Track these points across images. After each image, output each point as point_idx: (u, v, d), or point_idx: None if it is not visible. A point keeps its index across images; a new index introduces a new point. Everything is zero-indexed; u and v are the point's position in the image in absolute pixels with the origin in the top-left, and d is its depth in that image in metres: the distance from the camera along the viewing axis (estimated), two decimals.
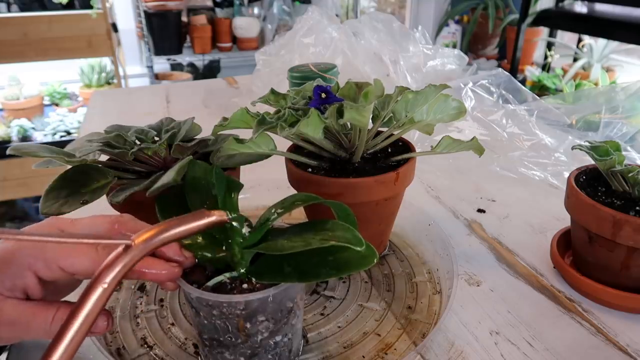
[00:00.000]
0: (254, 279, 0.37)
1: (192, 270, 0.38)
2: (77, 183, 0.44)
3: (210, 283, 0.36)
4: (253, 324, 0.36)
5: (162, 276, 0.35)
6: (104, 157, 0.49)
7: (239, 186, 0.41)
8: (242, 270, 0.37)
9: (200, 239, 0.38)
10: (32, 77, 2.66)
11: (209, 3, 3.06)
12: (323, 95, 0.45)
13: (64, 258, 0.33)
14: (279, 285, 0.35)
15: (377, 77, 0.46)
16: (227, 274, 0.37)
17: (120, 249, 0.31)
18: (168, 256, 0.36)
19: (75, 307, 0.30)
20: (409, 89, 0.46)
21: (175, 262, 0.36)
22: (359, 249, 0.33)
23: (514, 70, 2.36)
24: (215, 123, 0.46)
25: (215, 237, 0.38)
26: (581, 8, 2.29)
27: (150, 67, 2.87)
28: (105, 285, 0.30)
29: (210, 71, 3.22)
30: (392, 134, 0.50)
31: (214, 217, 0.34)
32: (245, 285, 0.36)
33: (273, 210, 0.39)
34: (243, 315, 0.35)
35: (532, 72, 2.62)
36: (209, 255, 0.37)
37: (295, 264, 0.35)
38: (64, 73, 2.78)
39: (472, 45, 3.24)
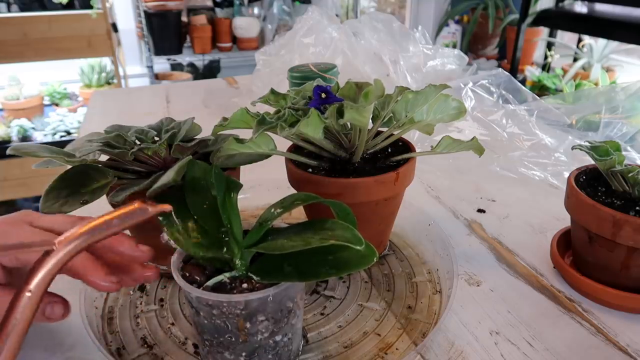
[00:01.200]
0: (253, 279, 0.37)
1: (192, 270, 0.38)
2: (77, 183, 0.44)
3: (210, 283, 0.36)
4: (253, 323, 0.36)
5: (100, 287, 0.36)
6: (104, 157, 0.49)
7: (239, 186, 0.41)
8: (242, 270, 0.37)
9: (199, 239, 0.38)
10: (32, 77, 2.66)
11: (209, 3, 3.06)
12: (323, 95, 0.45)
13: (20, 250, 0.34)
14: (279, 284, 0.35)
15: (377, 77, 0.46)
16: (227, 274, 0.37)
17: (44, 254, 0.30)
18: (121, 251, 0.37)
19: (3, 320, 0.28)
20: (409, 89, 0.46)
21: (131, 257, 0.37)
22: (358, 248, 0.33)
23: (514, 70, 2.36)
24: (215, 123, 0.46)
25: (214, 236, 0.38)
26: (581, 8, 2.29)
27: (150, 67, 2.87)
28: (29, 294, 0.29)
29: (210, 71, 3.22)
30: (392, 134, 0.50)
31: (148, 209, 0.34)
32: (245, 285, 0.36)
33: (273, 210, 0.39)
34: (243, 315, 0.35)
35: (532, 72, 2.62)
36: (209, 254, 0.37)
37: (295, 264, 0.35)
38: (64, 73, 2.78)
39: (472, 45, 3.24)
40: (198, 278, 0.38)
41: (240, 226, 0.39)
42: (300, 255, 0.35)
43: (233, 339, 0.37)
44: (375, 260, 0.34)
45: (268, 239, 0.38)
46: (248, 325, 0.36)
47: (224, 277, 0.37)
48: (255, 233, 0.38)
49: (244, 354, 0.37)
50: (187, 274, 0.38)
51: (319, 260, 0.35)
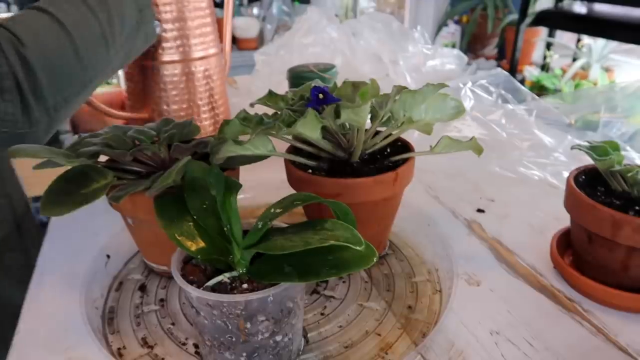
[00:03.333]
0: (253, 279, 0.37)
1: (192, 270, 0.38)
2: (77, 183, 0.44)
3: (210, 283, 0.36)
4: (253, 323, 0.36)
5: None
6: (103, 158, 0.49)
7: (238, 186, 0.41)
8: (242, 270, 0.37)
9: (199, 239, 0.38)
10: None
11: None
12: (320, 95, 0.45)
13: None
14: (279, 285, 0.35)
15: (376, 77, 0.46)
16: (227, 274, 0.37)
17: None
18: None
19: None
20: (407, 88, 0.46)
21: None
22: (358, 248, 0.33)
23: (513, 70, 2.36)
24: None
25: (214, 236, 0.38)
26: (580, 8, 2.29)
27: None
28: None
29: None
30: (390, 134, 0.50)
31: None
32: (245, 285, 0.36)
33: (272, 210, 0.39)
34: (243, 315, 0.35)
35: (531, 72, 2.62)
36: (209, 255, 0.37)
37: (295, 264, 0.35)
38: None
39: (471, 45, 3.25)
40: (198, 278, 0.38)
41: (240, 226, 0.39)
42: (300, 256, 0.35)
43: (233, 339, 0.37)
44: (375, 260, 0.35)
45: (268, 239, 0.38)
46: (248, 325, 0.36)
47: (224, 277, 0.37)
48: (255, 233, 0.38)
49: (244, 354, 0.37)
50: (187, 274, 0.38)
51: (319, 261, 0.35)
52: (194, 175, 0.42)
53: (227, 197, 0.40)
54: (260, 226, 0.38)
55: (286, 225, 0.41)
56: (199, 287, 0.36)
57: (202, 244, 0.38)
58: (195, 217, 0.39)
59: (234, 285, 0.37)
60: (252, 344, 0.37)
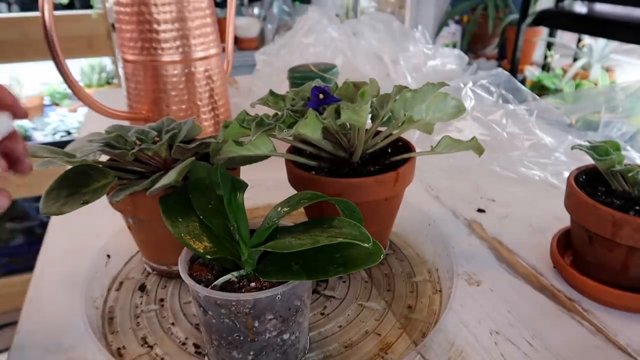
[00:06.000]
0: (261, 278, 0.37)
1: (199, 270, 0.38)
2: (78, 183, 0.44)
3: (218, 282, 0.37)
4: (261, 322, 0.36)
5: None
6: (104, 158, 0.49)
7: (244, 186, 0.41)
8: (249, 269, 0.37)
9: (206, 239, 0.38)
10: (33, 77, 2.65)
11: None
12: (321, 95, 0.45)
13: None
14: (287, 283, 0.35)
15: (377, 77, 0.46)
16: (235, 273, 0.37)
17: None
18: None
19: None
20: (408, 87, 0.46)
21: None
22: (366, 245, 0.34)
23: (513, 70, 2.35)
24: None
25: (221, 236, 0.38)
26: (581, 8, 2.29)
27: None
28: None
29: None
30: (391, 134, 0.50)
31: None
32: (253, 284, 0.37)
33: (279, 209, 0.39)
34: (251, 314, 0.35)
35: (531, 72, 2.62)
36: (216, 254, 0.38)
37: (303, 262, 0.36)
38: None
39: (472, 45, 3.24)
40: (205, 278, 0.38)
41: (247, 225, 0.39)
42: (307, 254, 0.35)
43: (241, 338, 0.37)
44: (382, 257, 0.35)
45: (275, 238, 0.38)
46: (256, 324, 0.36)
47: (232, 276, 0.37)
48: (262, 232, 0.38)
49: (252, 352, 0.37)
50: (195, 274, 0.38)
51: (326, 259, 0.35)
52: (199, 176, 0.42)
53: (234, 197, 0.40)
54: (267, 225, 0.38)
55: (291, 224, 0.41)
56: (206, 286, 0.36)
57: (208, 244, 0.38)
58: (201, 216, 0.39)
59: (241, 284, 0.37)
60: (260, 342, 0.37)
